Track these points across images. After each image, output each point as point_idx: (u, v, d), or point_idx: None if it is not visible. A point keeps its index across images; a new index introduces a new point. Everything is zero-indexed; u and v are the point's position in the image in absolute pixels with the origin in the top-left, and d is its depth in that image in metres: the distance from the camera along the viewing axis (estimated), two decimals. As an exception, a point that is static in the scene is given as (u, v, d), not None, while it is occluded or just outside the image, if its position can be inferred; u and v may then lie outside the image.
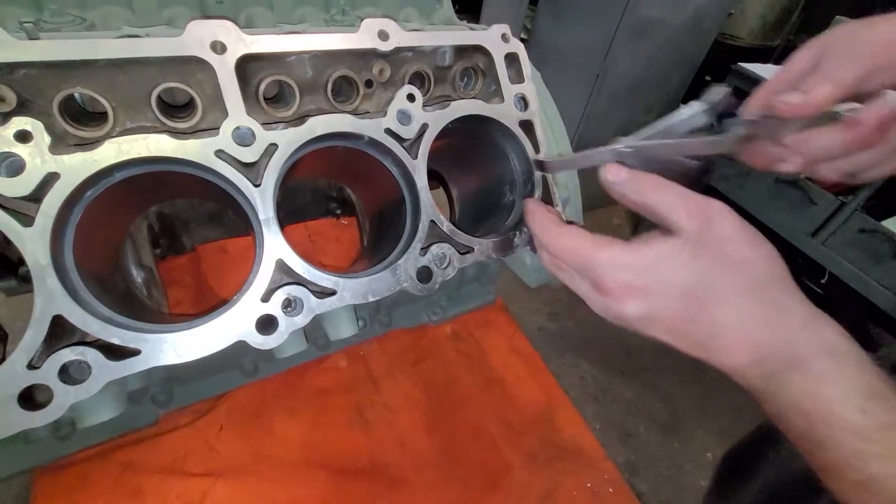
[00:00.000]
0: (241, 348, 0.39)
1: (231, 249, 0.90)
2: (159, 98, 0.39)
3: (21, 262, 0.62)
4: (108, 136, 0.38)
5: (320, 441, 0.64)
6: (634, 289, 0.38)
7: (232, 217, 0.82)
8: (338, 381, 0.71)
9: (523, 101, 0.55)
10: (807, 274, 2.16)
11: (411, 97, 0.48)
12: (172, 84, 0.39)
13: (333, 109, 0.48)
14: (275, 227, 0.41)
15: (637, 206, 0.40)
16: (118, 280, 0.53)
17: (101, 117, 0.39)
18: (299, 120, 0.44)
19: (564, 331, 2.13)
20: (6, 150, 0.32)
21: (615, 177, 0.41)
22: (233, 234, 0.86)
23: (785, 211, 2.00)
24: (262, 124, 0.41)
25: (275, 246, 0.41)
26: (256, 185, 0.40)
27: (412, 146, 0.49)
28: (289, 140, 0.42)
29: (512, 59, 0.55)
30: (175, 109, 0.43)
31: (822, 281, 2.12)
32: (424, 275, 0.47)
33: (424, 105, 0.49)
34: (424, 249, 0.48)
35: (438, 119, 0.50)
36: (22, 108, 0.35)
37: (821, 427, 0.33)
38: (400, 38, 0.47)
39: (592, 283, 0.40)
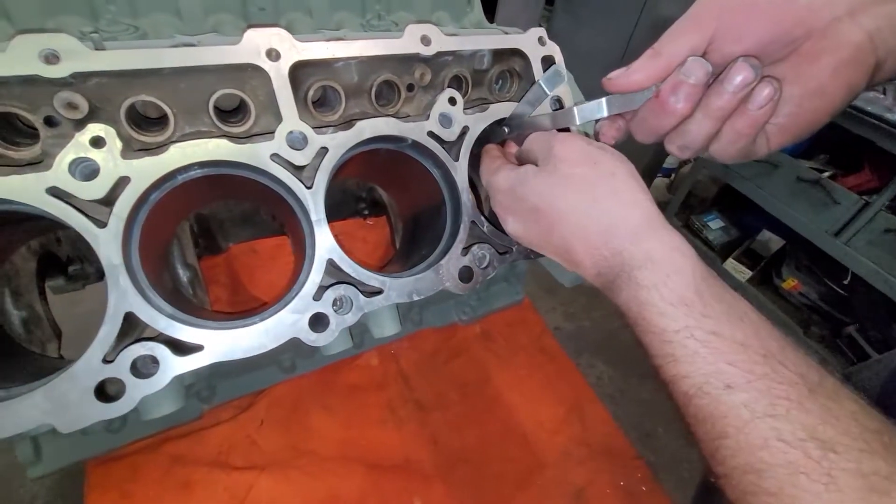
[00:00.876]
0: (281, 345, 0.41)
1: (259, 249, 0.92)
2: (215, 104, 0.41)
3: (70, 261, 0.65)
4: (170, 140, 0.40)
5: (355, 437, 0.66)
6: (507, 208, 0.45)
7: (263, 218, 0.84)
8: (370, 379, 0.72)
9: (559, 103, 0.56)
10: (829, 275, 2.13)
11: (452, 100, 0.49)
12: (229, 90, 0.41)
13: (377, 113, 0.49)
14: (325, 228, 0.42)
15: (521, 154, 0.49)
16: (167, 279, 0.55)
17: (160, 122, 0.40)
18: (346, 124, 0.45)
19: (581, 331, 2.13)
20: (82, 154, 0.34)
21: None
22: (263, 235, 0.88)
23: (807, 210, 1.97)
24: (313, 128, 0.43)
25: (326, 246, 0.42)
26: (308, 188, 0.42)
27: (453, 148, 0.50)
28: (338, 143, 0.43)
29: (548, 61, 0.56)
30: (227, 115, 0.44)
31: (845, 282, 2.09)
32: (466, 275, 0.48)
33: (464, 107, 0.50)
34: (465, 250, 0.49)
35: (478, 121, 0.51)
36: (92, 115, 0.37)
37: (640, 332, 0.36)
38: (441, 42, 0.49)
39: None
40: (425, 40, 0.48)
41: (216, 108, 0.42)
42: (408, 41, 0.47)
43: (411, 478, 0.63)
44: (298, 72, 0.43)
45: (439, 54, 0.49)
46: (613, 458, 0.64)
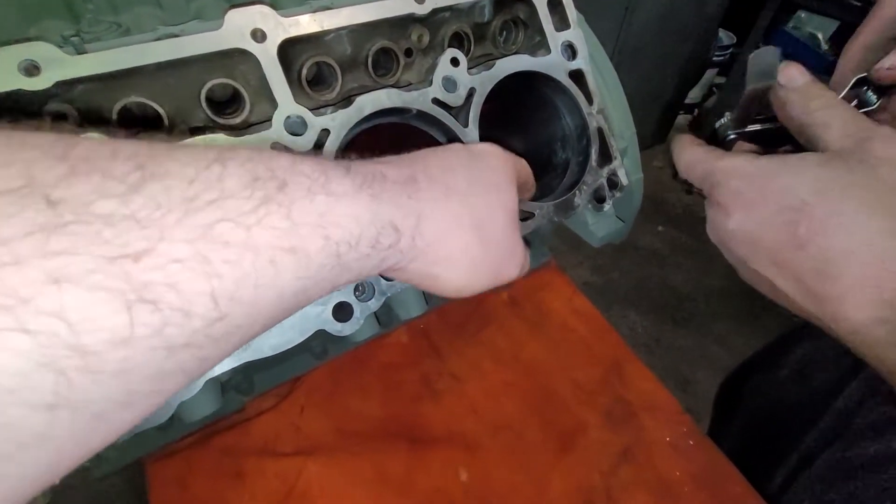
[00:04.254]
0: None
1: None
2: (207, 97, 0.39)
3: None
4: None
5: (395, 414, 0.66)
6: (743, 198, 0.33)
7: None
8: (403, 356, 0.72)
9: (571, 50, 0.52)
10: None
11: (455, 61, 0.45)
12: (218, 80, 0.39)
13: (376, 85, 0.46)
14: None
15: (793, 120, 0.34)
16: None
17: (153, 123, 0.39)
18: (345, 101, 0.43)
19: (609, 283, 2.10)
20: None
21: (789, 80, 0.34)
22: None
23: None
24: (311, 110, 0.40)
25: (340, 233, 0.41)
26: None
27: (460, 113, 0.47)
28: (340, 123, 0.41)
29: (555, 4, 0.51)
30: (223, 106, 0.42)
31: None
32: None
33: (468, 67, 0.46)
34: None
35: (485, 81, 0.47)
36: (84, 125, 0.35)
37: None
38: (437, -3, 0.45)
39: (708, 195, 0.36)
40: (420, -2, 0.44)
41: (209, 101, 0.40)
42: (399, 1, 0.43)
43: (454, 449, 0.63)
44: (288, 50, 0.40)
45: (435, 11, 0.45)
46: (657, 415, 0.63)
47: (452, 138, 0.47)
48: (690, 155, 0.38)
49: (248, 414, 0.62)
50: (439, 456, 0.62)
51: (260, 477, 0.55)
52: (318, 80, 0.46)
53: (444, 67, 0.45)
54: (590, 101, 0.52)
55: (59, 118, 0.34)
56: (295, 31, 0.39)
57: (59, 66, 0.32)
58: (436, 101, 0.45)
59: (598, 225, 0.52)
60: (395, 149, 0.59)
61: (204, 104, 0.39)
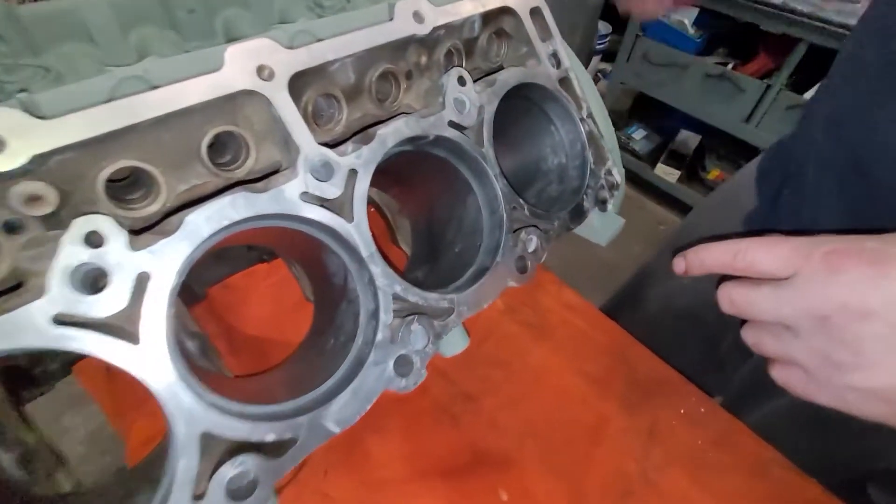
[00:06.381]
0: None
1: (231, 284, 0.82)
2: (207, 149, 0.33)
3: (32, 363, 0.53)
4: (167, 209, 0.31)
5: (419, 449, 0.63)
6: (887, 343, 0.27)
7: (236, 250, 0.74)
8: (411, 387, 0.69)
9: (556, 58, 0.52)
10: (744, 157, 2.35)
11: (462, 80, 0.44)
12: (221, 128, 0.33)
13: (381, 112, 0.42)
14: (380, 260, 0.37)
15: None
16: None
17: (144, 187, 0.32)
18: (361, 135, 0.39)
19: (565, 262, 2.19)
20: (81, 260, 0.26)
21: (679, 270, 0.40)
22: (240, 268, 0.78)
23: (718, 104, 2.12)
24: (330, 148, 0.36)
25: (386, 281, 0.37)
26: (350, 221, 0.35)
27: (472, 133, 0.45)
28: (366, 161, 0.37)
29: (535, 13, 0.51)
30: (216, 155, 0.36)
31: (758, 161, 2.31)
32: (521, 266, 0.45)
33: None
34: (513, 238, 0.46)
35: (491, 97, 0.46)
36: (65, 204, 0.28)
37: None
38: (435, 16, 0.42)
39: (822, 330, 0.30)
40: (418, 17, 0.41)
41: (210, 152, 0.34)
42: (400, 22, 0.40)
43: (487, 471, 0.62)
44: (294, 86, 0.35)
45: (434, 30, 0.43)
46: (667, 390, 0.67)
47: (468, 160, 0.45)
48: (754, 294, 0.34)
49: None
50: (475, 483, 0.60)
51: (302, 561, 0.49)
52: (317, 113, 0.41)
53: (453, 88, 0.43)
54: (579, 106, 0.53)
55: (13, 230, 0.26)
56: (302, 64, 0.35)
57: (28, 136, 0.25)
58: (452, 125, 0.42)
59: (605, 225, 0.54)
60: (398, 175, 0.55)
61: (205, 158, 0.32)
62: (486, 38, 0.49)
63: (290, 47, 0.35)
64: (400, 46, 0.42)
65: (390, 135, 0.38)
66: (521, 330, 0.76)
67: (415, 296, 0.38)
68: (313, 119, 0.38)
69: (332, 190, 0.35)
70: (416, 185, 0.53)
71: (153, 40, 0.45)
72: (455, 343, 0.44)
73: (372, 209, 0.73)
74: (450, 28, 0.45)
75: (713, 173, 2.38)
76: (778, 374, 0.35)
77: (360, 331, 0.37)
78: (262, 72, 0.33)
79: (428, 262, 0.55)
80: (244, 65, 0.32)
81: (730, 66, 2.07)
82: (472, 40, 0.48)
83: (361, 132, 0.39)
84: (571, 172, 0.54)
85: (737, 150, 2.32)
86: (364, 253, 0.36)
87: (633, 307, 0.81)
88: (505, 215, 0.45)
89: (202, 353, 0.50)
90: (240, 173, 0.34)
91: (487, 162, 0.44)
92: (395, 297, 0.37)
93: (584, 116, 0.53)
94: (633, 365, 0.70)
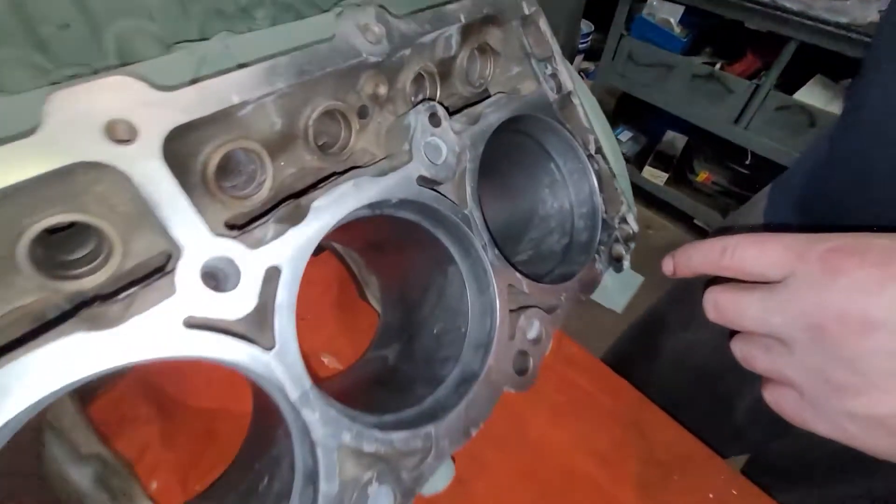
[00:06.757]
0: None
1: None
2: (34, 247, 0.20)
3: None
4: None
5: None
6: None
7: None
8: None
9: (555, 80, 0.41)
10: (732, 159, 2.28)
11: (435, 119, 0.32)
12: (58, 218, 0.20)
13: (324, 165, 0.30)
14: (318, 400, 0.25)
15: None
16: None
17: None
18: (288, 206, 0.27)
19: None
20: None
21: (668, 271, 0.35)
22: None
23: (706, 105, 2.05)
24: (238, 234, 0.24)
25: (331, 430, 0.25)
26: (269, 347, 0.23)
27: (452, 187, 0.33)
28: (294, 252, 0.25)
29: (529, 24, 0.40)
30: (62, 251, 0.24)
31: (747, 162, 2.25)
32: (521, 365, 0.34)
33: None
34: (510, 323, 0.34)
35: (475, 139, 0.34)
36: None
37: None
38: (395, 32, 0.30)
39: (795, 372, 0.27)
40: (371, 34, 0.29)
41: (44, 250, 0.21)
42: (346, 41, 0.28)
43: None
44: (177, 144, 0.23)
45: (394, 51, 0.31)
46: (691, 468, 0.57)
47: (446, 225, 0.33)
48: (742, 299, 0.29)
49: None
50: None
51: None
52: (230, 171, 0.29)
53: (423, 130, 0.31)
54: (585, 140, 0.42)
55: None
56: (187, 114, 0.22)
57: None
58: (422, 181, 0.31)
59: (621, 287, 0.43)
60: (358, 240, 0.43)
61: (28, 264, 0.20)
62: (467, 57, 0.38)
63: (193, 81, 0.23)
64: (348, 74, 0.30)
65: (329, 209, 0.26)
66: (516, 395, 0.65)
67: (373, 443, 0.26)
68: (217, 185, 0.26)
69: (235, 306, 0.23)
70: (384, 246, 0.41)
71: (9, 65, 0.32)
72: (435, 480, 0.33)
73: (331, 256, 0.61)
74: (418, 46, 0.33)
75: (701, 175, 2.32)
76: (769, 395, 0.30)
77: (294, 496, 0.25)
78: (115, 130, 0.20)
79: (400, 338, 0.43)
80: (81, 122, 0.20)
81: (717, 65, 2.00)
82: (448, 60, 0.37)
83: (294, 199, 0.27)
84: (578, 223, 0.43)
85: (725, 152, 2.26)
86: (292, 394, 0.24)
87: (645, 360, 0.70)
88: (498, 297, 0.33)
89: (97, 481, 0.37)
90: (90, 282, 0.22)
91: (472, 228, 0.33)
92: (344, 452, 0.25)
93: (593, 152, 0.42)
94: (648, 437, 0.60)
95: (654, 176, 2.39)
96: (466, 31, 0.36)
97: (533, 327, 0.35)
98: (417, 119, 0.31)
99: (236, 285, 0.22)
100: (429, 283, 0.40)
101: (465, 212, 0.33)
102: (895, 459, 0.26)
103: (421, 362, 0.38)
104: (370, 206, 0.29)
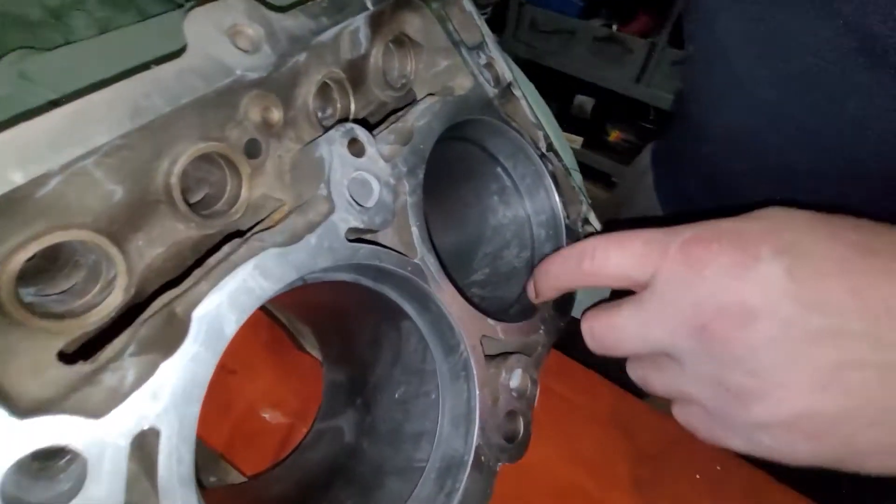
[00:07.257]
0: None
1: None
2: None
3: None
4: None
5: None
6: (790, 368, 0.21)
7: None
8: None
9: (491, 72, 0.34)
10: (636, 116, 2.39)
11: (356, 146, 0.23)
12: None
13: (208, 232, 0.21)
14: None
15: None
16: None
17: None
18: (161, 323, 0.18)
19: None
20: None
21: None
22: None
23: (609, 67, 2.10)
24: (67, 396, 0.15)
25: None
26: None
27: (393, 232, 0.25)
28: (177, 399, 0.16)
29: (452, 4, 0.32)
30: None
31: (650, 118, 2.36)
32: (512, 431, 0.28)
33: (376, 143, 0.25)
34: (489, 375, 0.28)
35: (413, 163, 0.26)
36: None
37: None
38: (277, 33, 0.21)
39: (685, 386, 0.25)
40: (244, 40, 0.20)
41: None
42: (204, 55, 0.19)
43: None
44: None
45: (281, 60, 0.22)
46: (677, 455, 0.55)
47: (395, 279, 0.25)
48: (615, 319, 0.27)
49: None
50: None
51: None
52: (51, 273, 0.19)
53: (342, 164, 0.23)
54: (534, 137, 0.36)
55: None
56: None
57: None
58: (353, 233, 0.23)
59: (589, 296, 0.38)
60: (291, 296, 0.34)
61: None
62: (382, 53, 0.29)
63: None
64: (219, 102, 0.20)
65: (223, 311, 0.17)
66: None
67: None
68: (23, 309, 0.16)
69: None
70: (315, 305, 0.33)
71: None
72: None
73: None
74: (315, 49, 0.24)
75: (613, 135, 2.41)
76: (679, 417, 0.28)
77: None
78: None
79: (353, 403, 0.35)
80: None
81: (614, 27, 2.05)
82: (358, 61, 0.28)
83: (167, 294, 0.18)
84: (538, 232, 0.37)
85: (631, 110, 2.35)
86: None
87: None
88: (471, 360, 0.26)
89: None
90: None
91: (428, 279, 0.25)
92: None
93: (544, 150, 0.36)
94: (635, 434, 0.57)
95: (572, 141, 2.44)
96: (376, 22, 0.28)
97: (515, 377, 0.29)
98: (332, 151, 0.22)
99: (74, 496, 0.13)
100: (379, 339, 0.32)
101: (416, 261, 0.25)
102: (827, 465, 0.23)
103: (387, 439, 0.31)
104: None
